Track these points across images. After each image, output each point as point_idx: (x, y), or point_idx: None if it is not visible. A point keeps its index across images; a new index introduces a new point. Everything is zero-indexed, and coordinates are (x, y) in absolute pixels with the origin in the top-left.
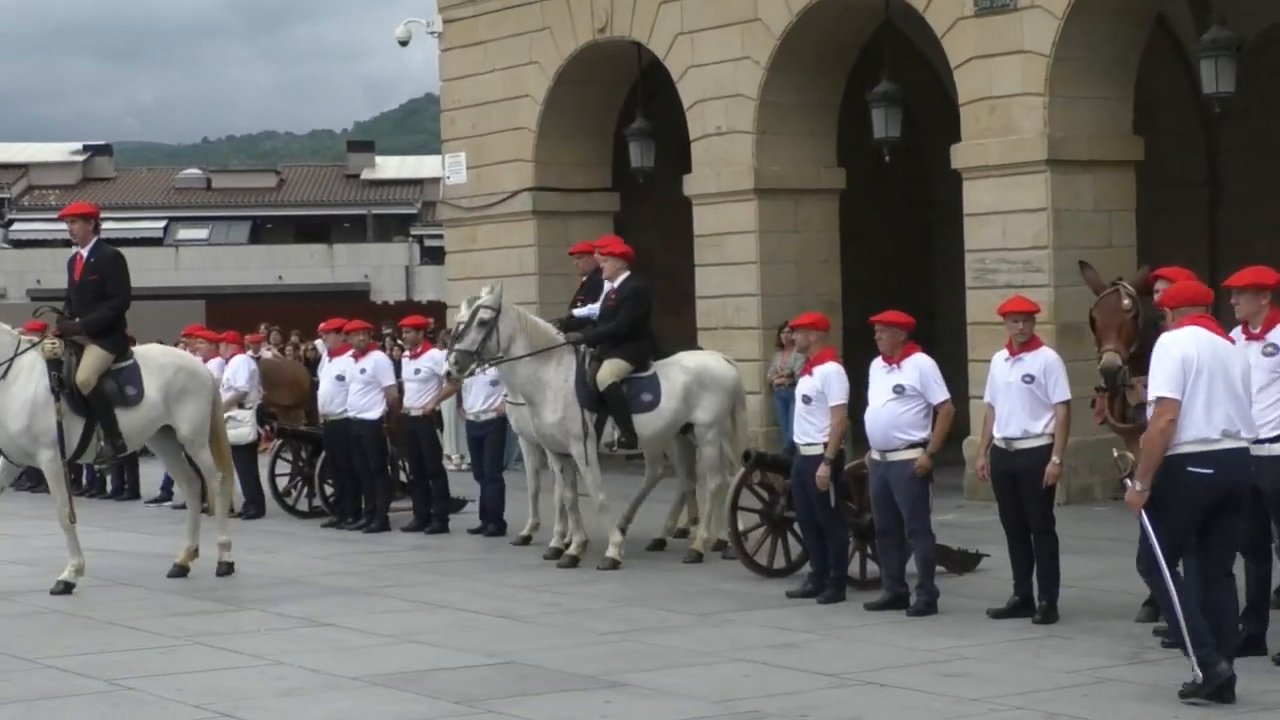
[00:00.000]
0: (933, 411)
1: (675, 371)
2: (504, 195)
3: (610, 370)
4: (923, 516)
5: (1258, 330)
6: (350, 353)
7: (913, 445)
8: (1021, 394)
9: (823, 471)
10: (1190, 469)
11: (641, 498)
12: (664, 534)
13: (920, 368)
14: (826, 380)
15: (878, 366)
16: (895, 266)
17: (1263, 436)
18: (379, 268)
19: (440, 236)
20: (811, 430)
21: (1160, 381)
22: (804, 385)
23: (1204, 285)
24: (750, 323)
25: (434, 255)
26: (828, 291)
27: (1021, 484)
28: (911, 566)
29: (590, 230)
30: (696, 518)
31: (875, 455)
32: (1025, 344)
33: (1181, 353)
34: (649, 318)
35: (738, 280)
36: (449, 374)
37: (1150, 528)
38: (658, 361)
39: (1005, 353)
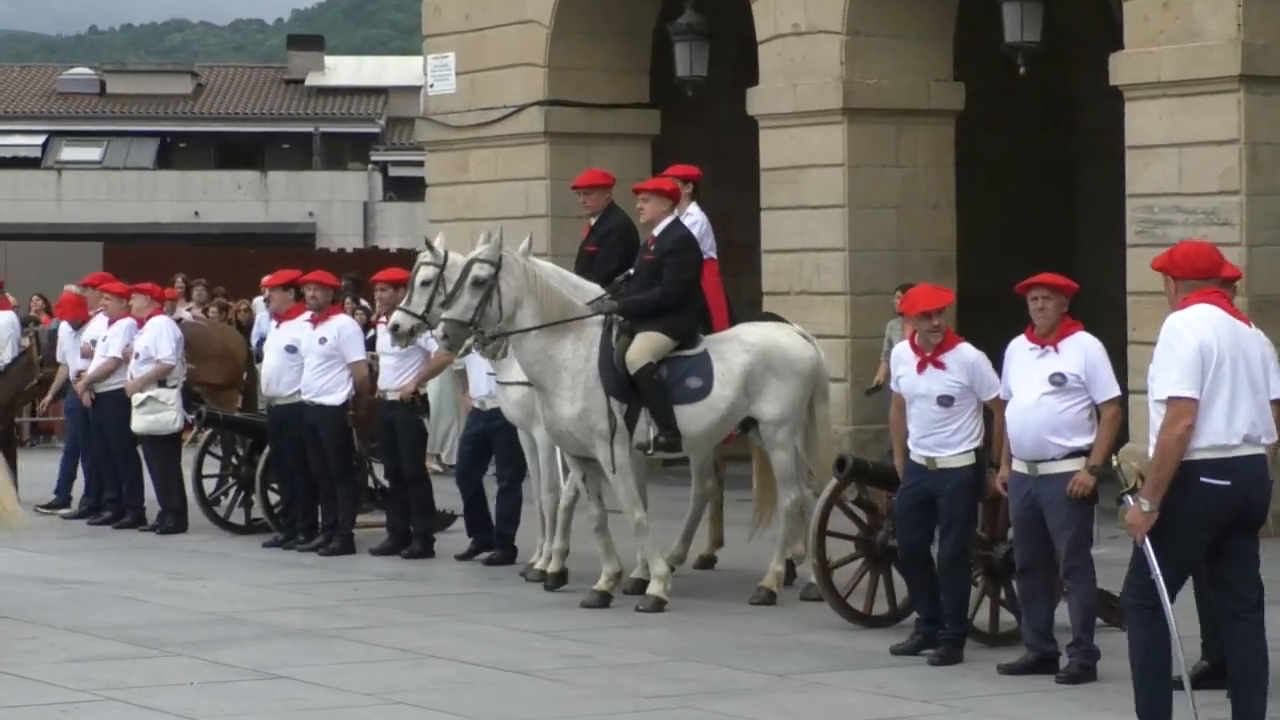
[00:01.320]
0: (1096, 411)
1: (733, 349)
2: (507, 111)
3: (645, 347)
4: (1084, 550)
5: None
6: (306, 316)
7: (1073, 454)
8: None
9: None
10: (1205, 479)
11: (694, 525)
12: (680, 555)
13: (1086, 352)
14: (973, 371)
15: (1022, 349)
16: (1025, 214)
17: None
18: (328, 203)
19: (412, 164)
20: (955, 439)
21: (1175, 376)
22: (934, 382)
23: (1215, 251)
24: (834, 286)
25: (402, 188)
26: (939, 245)
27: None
28: (1062, 617)
29: (619, 160)
30: (720, 539)
31: (1020, 467)
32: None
33: (1199, 340)
34: (698, 279)
35: (818, 229)
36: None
37: (1153, 555)
38: (709, 336)
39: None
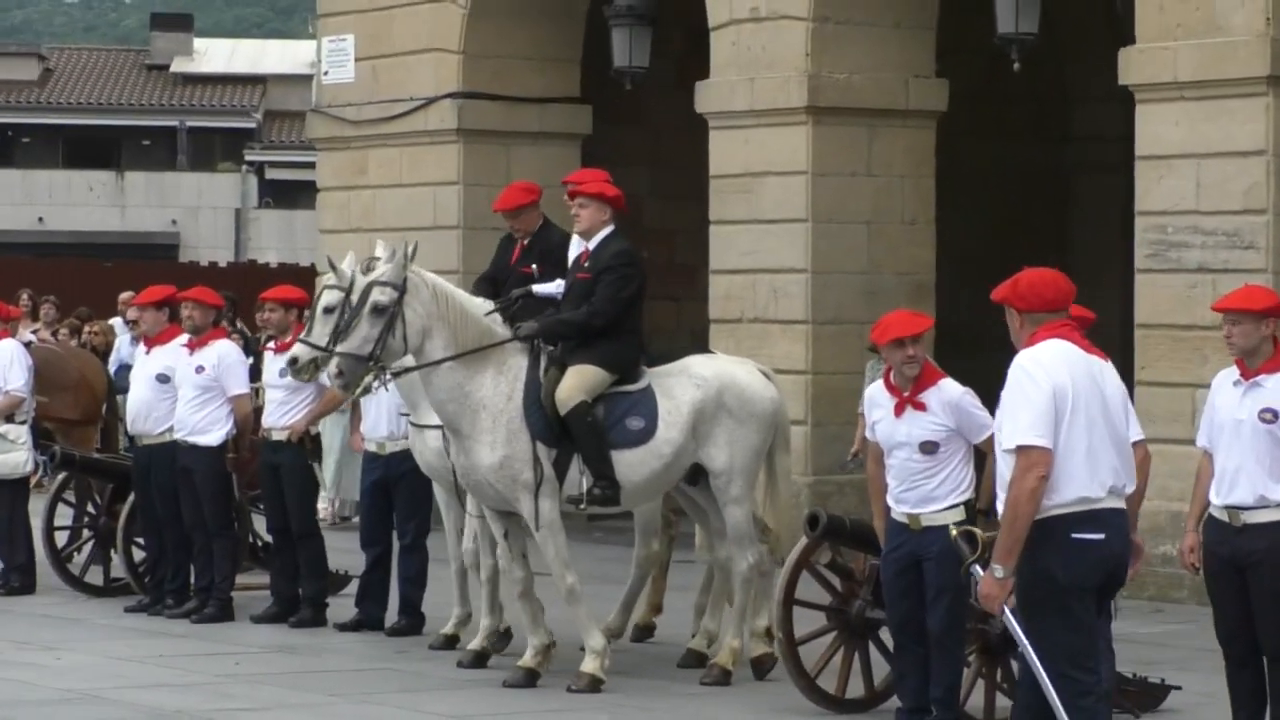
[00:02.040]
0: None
1: (682, 385)
2: (415, 104)
3: (578, 383)
4: (1103, 628)
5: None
6: (181, 340)
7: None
8: (1259, 438)
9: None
10: (1076, 535)
11: (636, 593)
12: (618, 629)
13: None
14: (959, 411)
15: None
16: (1011, 234)
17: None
18: (194, 210)
19: (293, 165)
20: (940, 491)
21: (1025, 422)
22: (914, 426)
23: (1065, 280)
24: (794, 314)
25: (281, 193)
26: (915, 268)
27: (1254, 579)
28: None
29: (544, 163)
30: (659, 605)
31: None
32: (1265, 359)
33: (1051, 381)
34: (640, 300)
35: (776, 247)
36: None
37: (1020, 631)
38: (653, 369)
39: (1234, 372)
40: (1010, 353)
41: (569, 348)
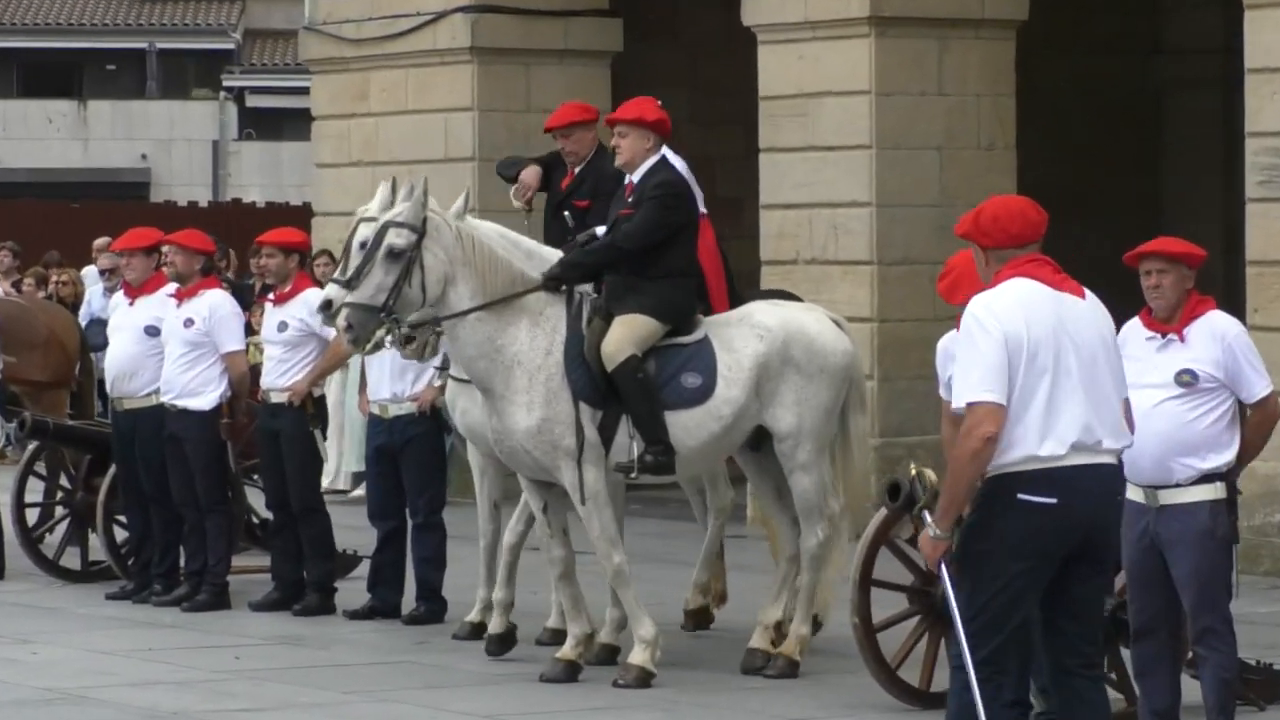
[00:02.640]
0: (1236, 414)
1: (744, 336)
2: (422, 19)
3: (626, 334)
4: (1220, 607)
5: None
6: (168, 290)
7: (1207, 478)
8: None
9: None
10: (1023, 496)
11: (709, 558)
12: (693, 604)
13: (1224, 339)
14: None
15: (1137, 335)
16: (1094, 161)
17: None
18: (167, 143)
19: (277, 91)
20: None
21: (974, 378)
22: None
23: (1035, 209)
24: (857, 253)
25: (264, 124)
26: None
27: None
28: (1190, 695)
29: (569, 85)
30: (724, 591)
31: (1134, 495)
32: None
33: (1003, 329)
34: (689, 236)
35: (836, 178)
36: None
37: (952, 590)
38: (711, 318)
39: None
40: (1100, 294)
41: (615, 293)
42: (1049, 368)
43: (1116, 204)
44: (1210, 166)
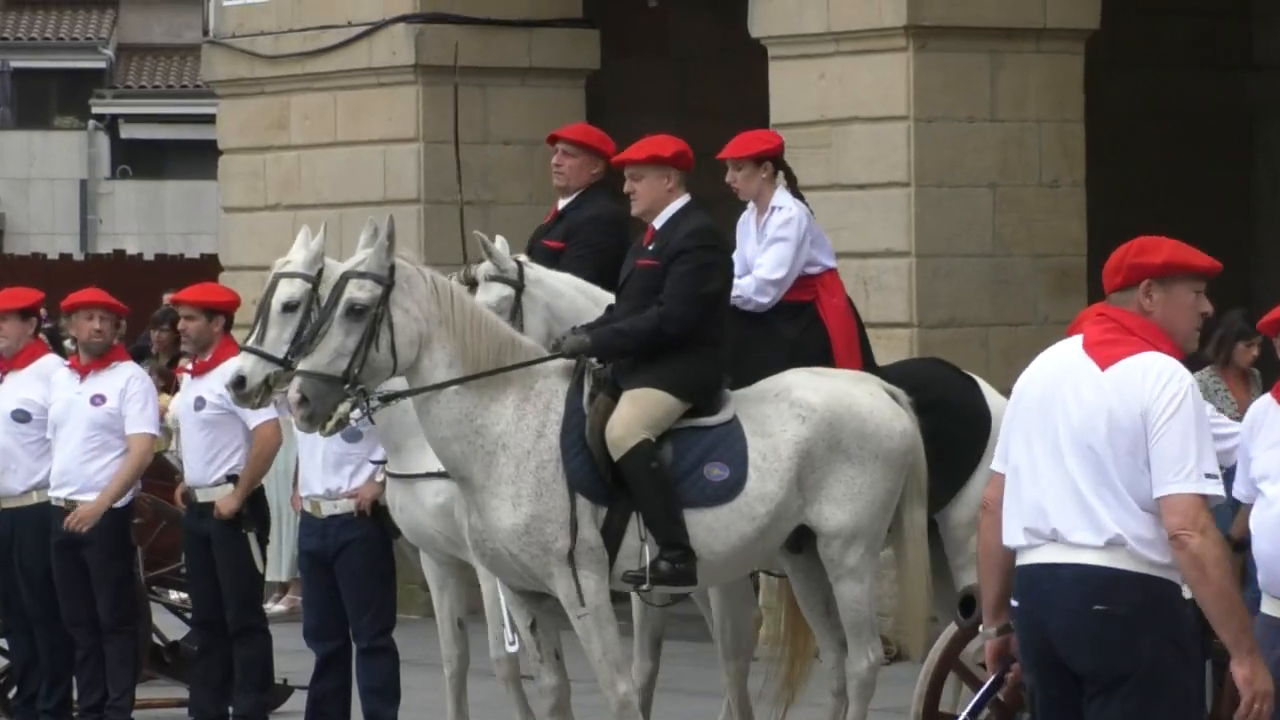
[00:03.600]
0: None
1: (780, 416)
2: (355, 30)
3: (637, 414)
4: None
5: None
6: (53, 363)
7: None
8: None
9: None
10: (1013, 599)
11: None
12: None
13: None
14: None
15: (1276, 417)
16: (1175, 194)
17: None
18: (24, 182)
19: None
20: None
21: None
22: None
23: (1136, 246)
24: (893, 314)
25: (143, 158)
26: (1061, 247)
27: None
28: None
29: (535, 109)
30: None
31: (1272, 610)
32: None
33: (1016, 387)
34: (724, 298)
35: (867, 221)
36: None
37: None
38: (740, 392)
39: None
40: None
41: (624, 365)
42: (1029, 437)
43: (1199, 243)
44: None
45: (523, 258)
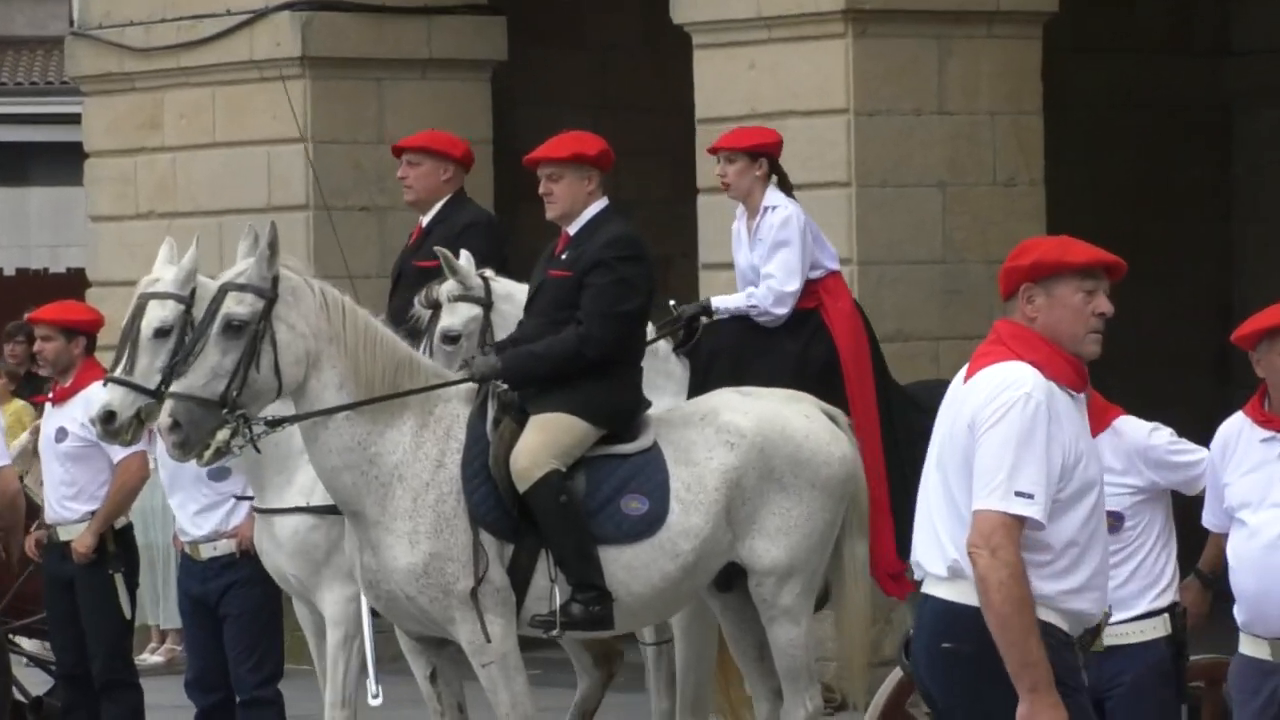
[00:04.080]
0: None
1: (706, 442)
2: (234, 19)
3: (546, 441)
4: None
5: None
6: None
7: None
8: None
9: None
10: None
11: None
12: None
13: None
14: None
15: (1249, 437)
16: (1143, 196)
17: None
18: None
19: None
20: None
21: None
22: None
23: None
24: None
25: (2, 163)
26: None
27: None
28: None
29: (435, 104)
30: None
31: (1258, 650)
32: None
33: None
34: (645, 314)
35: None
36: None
37: None
38: (662, 415)
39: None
40: (1151, 368)
41: (535, 389)
42: (928, 465)
43: (1173, 250)
44: None
45: (488, 272)
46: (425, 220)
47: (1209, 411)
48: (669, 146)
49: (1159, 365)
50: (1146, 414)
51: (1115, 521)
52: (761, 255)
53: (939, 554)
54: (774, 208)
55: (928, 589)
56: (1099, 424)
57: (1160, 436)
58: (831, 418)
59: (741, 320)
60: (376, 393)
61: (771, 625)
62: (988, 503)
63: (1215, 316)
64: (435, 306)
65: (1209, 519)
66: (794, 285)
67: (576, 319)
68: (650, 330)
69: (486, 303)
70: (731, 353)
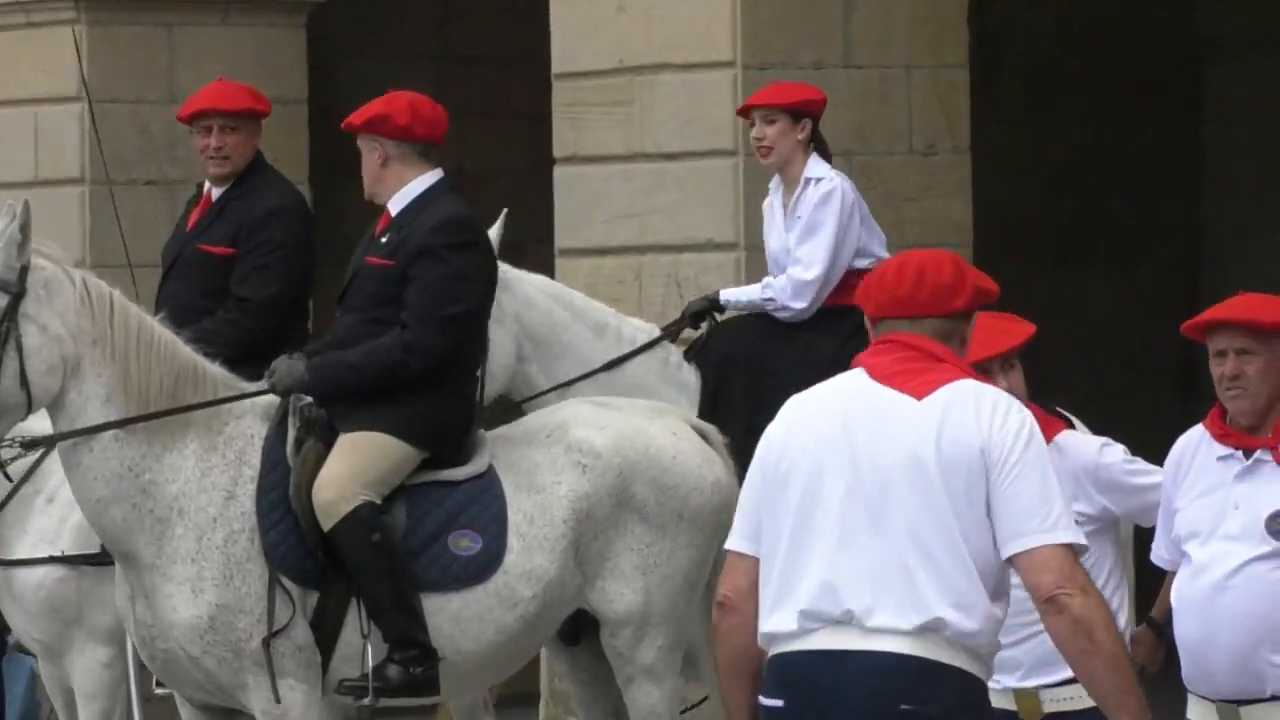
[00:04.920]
0: None
1: (552, 464)
2: None
3: (354, 466)
4: None
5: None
6: None
7: None
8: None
9: None
10: (763, 699)
11: None
12: None
13: None
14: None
15: (1206, 454)
16: (1105, 166)
17: None
18: None
19: None
20: None
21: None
22: None
23: (944, 268)
24: None
25: None
26: (940, 234)
27: None
28: None
29: (235, 57)
30: None
31: (1206, 715)
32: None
33: (764, 444)
34: (483, 314)
35: (681, 205)
36: None
37: None
38: (499, 431)
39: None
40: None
41: (345, 402)
42: (798, 499)
43: (1134, 236)
44: (1275, 184)
45: (41, 249)
46: (217, 194)
47: (1174, 425)
48: (525, 108)
49: (1112, 369)
50: (1098, 428)
51: None
52: (797, 237)
53: (905, 603)
54: (817, 180)
55: (865, 643)
56: None
57: (1112, 454)
58: (704, 435)
59: (761, 316)
60: (152, 407)
61: (629, 686)
62: (1053, 537)
63: (1181, 311)
64: None
65: (1158, 553)
66: (815, 272)
67: (401, 321)
68: (652, 330)
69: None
70: (748, 356)
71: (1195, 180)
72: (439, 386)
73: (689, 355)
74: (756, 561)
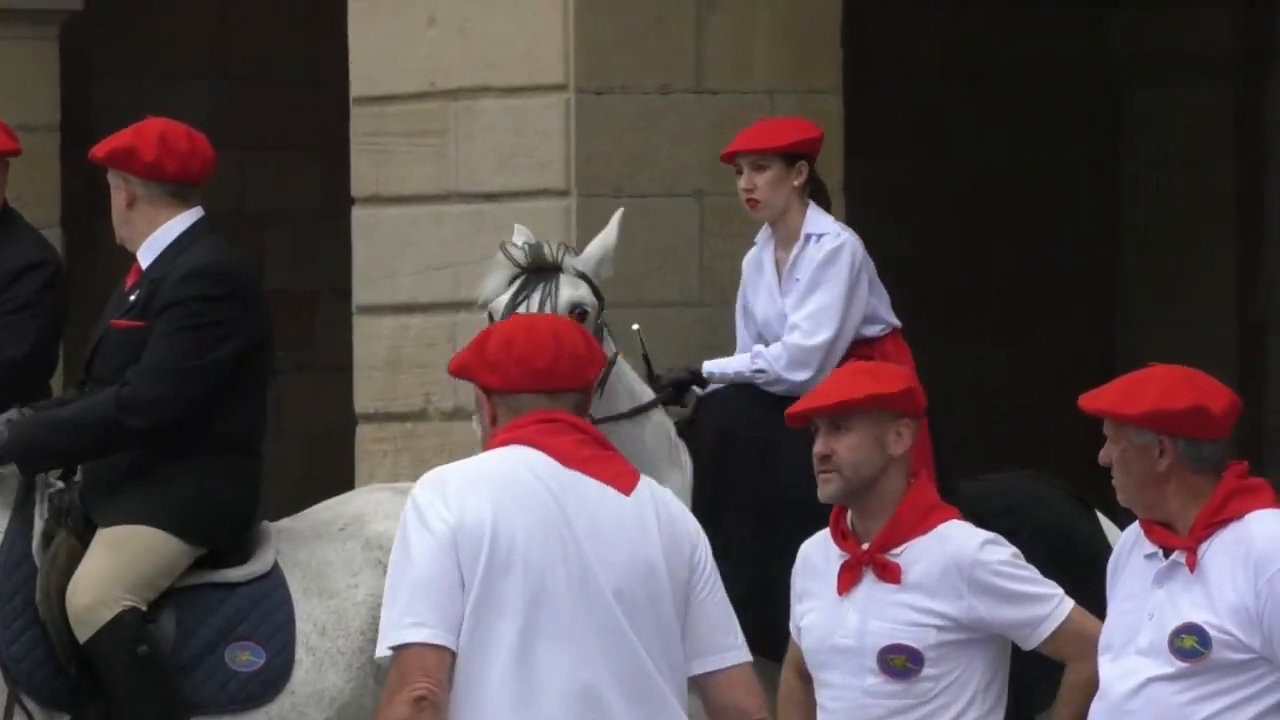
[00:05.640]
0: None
1: (347, 560)
2: None
3: (114, 566)
4: None
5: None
6: None
7: None
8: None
9: None
10: None
11: None
12: None
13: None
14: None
15: (1136, 553)
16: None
17: None
18: None
19: None
20: None
21: (399, 605)
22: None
23: (577, 339)
24: None
25: None
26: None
27: None
28: None
29: None
30: None
31: None
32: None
33: (450, 520)
34: (257, 372)
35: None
36: None
37: None
38: (285, 523)
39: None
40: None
41: (99, 487)
42: (526, 588)
43: (1037, 289)
44: (1217, 215)
45: None
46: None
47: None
48: (319, 137)
49: (1014, 446)
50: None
51: (906, 663)
52: (796, 300)
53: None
54: (819, 235)
55: None
56: (919, 525)
57: (995, 552)
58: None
59: (753, 386)
60: None
61: None
62: (746, 654)
63: (1097, 377)
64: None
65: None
66: (821, 338)
67: (124, 377)
68: (646, 392)
69: None
70: (751, 434)
71: (1110, 228)
72: (215, 470)
73: (680, 430)
74: (452, 656)
